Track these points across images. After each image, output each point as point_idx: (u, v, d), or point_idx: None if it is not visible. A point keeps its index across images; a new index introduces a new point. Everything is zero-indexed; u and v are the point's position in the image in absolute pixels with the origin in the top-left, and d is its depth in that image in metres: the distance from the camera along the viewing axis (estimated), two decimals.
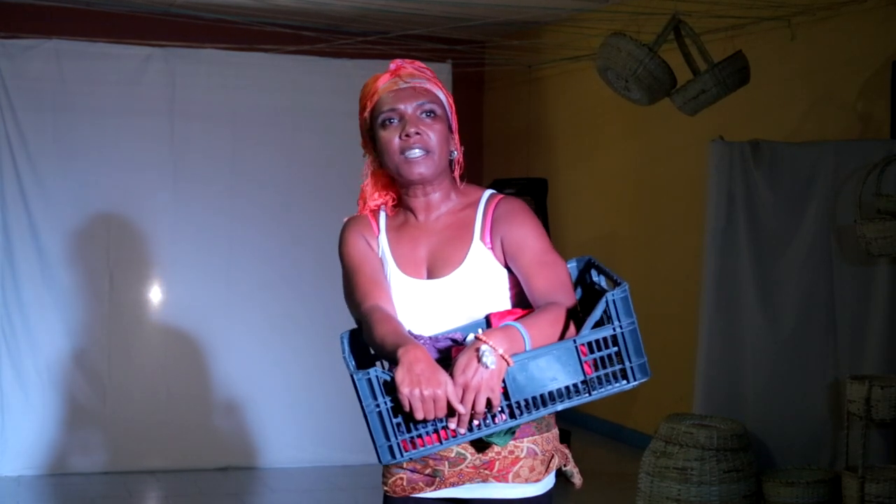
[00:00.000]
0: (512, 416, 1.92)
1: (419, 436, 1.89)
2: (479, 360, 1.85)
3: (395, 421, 1.88)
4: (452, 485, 2.12)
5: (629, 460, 5.81)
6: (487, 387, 1.86)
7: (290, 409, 5.68)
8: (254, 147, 5.81)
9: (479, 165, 7.92)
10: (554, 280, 2.08)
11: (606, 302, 1.93)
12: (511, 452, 2.10)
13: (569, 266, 2.21)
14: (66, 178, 5.51)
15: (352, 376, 1.89)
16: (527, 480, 2.11)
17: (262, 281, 5.73)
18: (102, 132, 5.57)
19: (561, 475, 2.22)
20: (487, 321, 2.12)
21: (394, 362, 1.92)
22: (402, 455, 1.90)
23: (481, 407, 1.87)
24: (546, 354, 1.90)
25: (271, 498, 5.30)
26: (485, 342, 1.87)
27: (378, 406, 1.87)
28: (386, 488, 2.20)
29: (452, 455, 2.09)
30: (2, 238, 5.44)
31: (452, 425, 1.89)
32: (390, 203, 2.25)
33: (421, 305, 2.15)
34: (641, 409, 6.32)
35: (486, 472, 2.10)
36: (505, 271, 2.15)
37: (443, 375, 1.87)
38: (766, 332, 4.70)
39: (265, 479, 5.54)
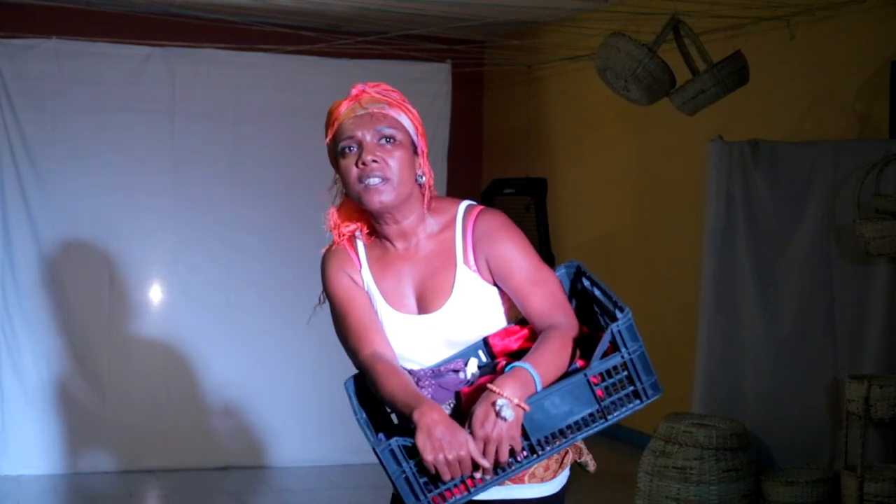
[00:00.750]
0: (533, 452, 1.94)
1: (447, 489, 1.91)
2: (497, 414, 1.85)
3: (421, 480, 1.90)
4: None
5: (629, 460, 5.81)
6: (508, 437, 1.87)
7: (291, 408, 5.69)
8: (254, 147, 5.81)
9: (478, 165, 7.92)
10: (550, 300, 2.07)
11: (612, 333, 1.94)
12: None
13: (558, 273, 2.19)
14: (66, 178, 5.51)
15: (374, 448, 1.90)
16: (542, 480, 2.11)
17: (262, 281, 5.74)
18: (102, 132, 5.57)
19: (574, 468, 2.23)
20: (485, 342, 2.12)
21: (406, 419, 1.93)
22: None
23: (505, 457, 1.88)
24: (560, 391, 1.92)
25: (271, 497, 5.30)
26: (499, 394, 1.86)
27: (404, 472, 1.89)
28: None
29: None
30: (2, 238, 5.44)
31: (478, 475, 1.90)
32: (364, 230, 2.19)
33: (415, 341, 2.12)
34: (641, 408, 6.32)
35: None
36: (494, 289, 2.11)
37: (463, 435, 1.87)
38: (766, 331, 4.71)
39: (265, 478, 5.54)
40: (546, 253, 6.35)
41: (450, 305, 2.08)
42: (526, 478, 2.09)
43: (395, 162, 2.06)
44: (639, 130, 6.36)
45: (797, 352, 4.66)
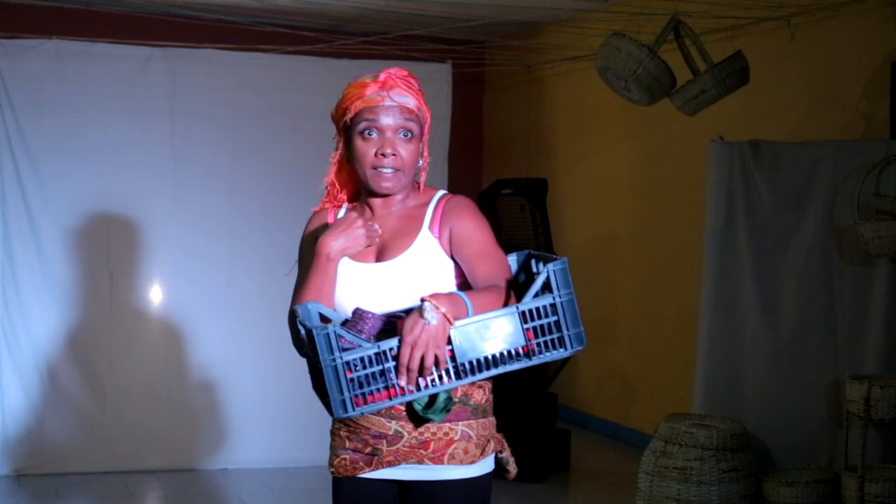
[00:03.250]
0: (458, 376, 2.03)
1: (370, 392, 2.01)
2: (421, 315, 1.98)
3: (349, 377, 1.99)
4: (389, 464, 2.23)
5: (629, 460, 5.82)
6: (434, 343, 1.98)
7: (291, 408, 5.68)
8: (254, 147, 5.81)
9: (479, 165, 7.92)
10: (495, 269, 2.21)
11: (547, 272, 2.06)
12: (446, 434, 2.20)
13: (510, 259, 2.33)
14: (67, 178, 5.51)
15: (310, 331, 2.00)
16: (461, 462, 2.21)
17: (264, 279, 5.73)
18: (103, 132, 5.57)
19: (499, 465, 2.32)
20: None
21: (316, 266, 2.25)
22: (353, 409, 2.01)
23: (430, 363, 1.99)
24: (491, 319, 2.03)
25: (271, 498, 5.30)
26: (427, 300, 2.00)
27: (334, 360, 1.98)
28: (332, 469, 2.32)
29: (391, 433, 2.20)
30: (2, 238, 5.44)
31: (402, 382, 2.01)
32: (348, 200, 2.41)
33: (368, 287, 2.26)
34: (641, 408, 6.32)
35: (422, 451, 2.20)
36: (451, 262, 2.26)
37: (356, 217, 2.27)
38: (766, 332, 4.70)
39: (265, 478, 5.54)
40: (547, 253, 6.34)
41: (404, 258, 2.25)
42: (446, 459, 2.20)
43: (408, 155, 2.26)
44: (639, 131, 6.36)
45: (797, 352, 4.65)
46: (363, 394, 2.01)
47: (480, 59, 7.58)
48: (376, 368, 2.00)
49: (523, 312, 2.04)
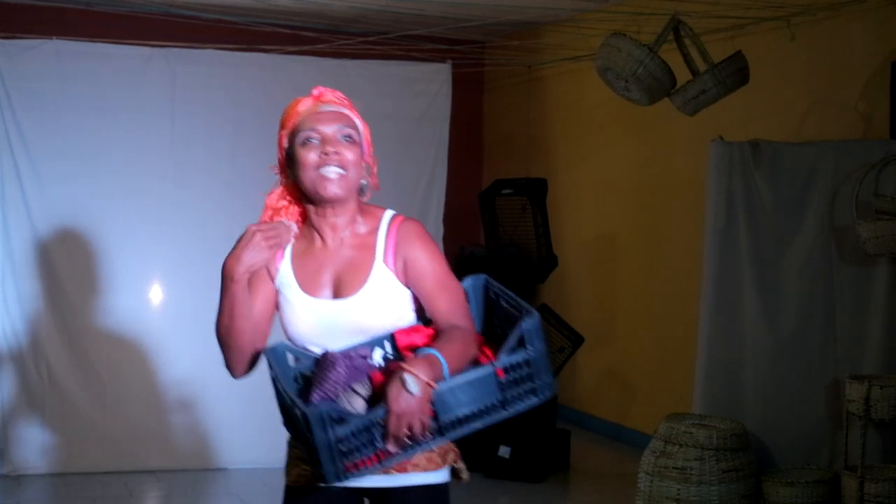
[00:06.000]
0: (440, 434, 2.11)
1: (360, 459, 2.06)
2: (405, 388, 2.02)
3: (340, 448, 2.04)
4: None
5: (629, 460, 5.81)
6: (420, 411, 2.03)
7: None
8: (254, 147, 5.79)
9: (479, 166, 7.92)
10: (454, 303, 2.28)
11: (521, 331, 2.14)
12: None
13: (465, 285, 2.39)
14: (67, 177, 5.50)
15: (303, 413, 2.02)
16: (425, 469, 2.29)
17: None
18: (102, 132, 5.56)
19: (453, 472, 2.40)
20: (391, 337, 2.28)
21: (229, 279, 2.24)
22: (345, 477, 2.06)
23: (417, 430, 2.04)
24: (469, 379, 2.11)
25: (271, 498, 5.29)
26: (409, 371, 2.03)
27: (328, 438, 2.02)
28: (288, 481, 2.39)
29: None
30: (2, 238, 5.44)
31: (391, 448, 2.06)
32: (298, 221, 2.37)
33: (326, 325, 2.28)
34: (641, 408, 6.32)
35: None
36: (407, 291, 2.30)
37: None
38: (766, 332, 4.70)
39: (265, 478, 5.54)
40: (547, 253, 6.34)
41: (363, 293, 2.26)
42: (409, 467, 2.26)
43: (352, 157, 2.27)
44: (639, 131, 6.36)
45: (797, 352, 4.65)
46: (353, 462, 2.06)
47: (480, 59, 7.58)
48: (365, 438, 2.05)
49: (499, 368, 2.13)
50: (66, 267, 5.53)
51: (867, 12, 4.80)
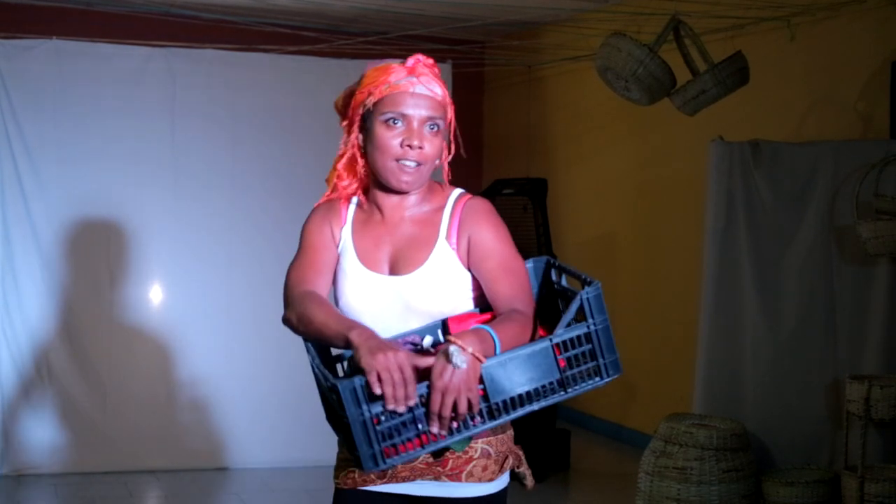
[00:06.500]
0: (491, 416, 1.92)
1: (401, 442, 1.88)
2: (450, 360, 1.85)
3: (378, 429, 1.86)
4: (404, 479, 2.12)
5: (629, 460, 5.81)
6: (466, 387, 1.85)
7: (291, 408, 5.68)
8: (254, 147, 5.81)
9: (479, 165, 7.92)
10: (517, 287, 2.09)
11: (580, 300, 1.95)
12: (465, 452, 2.10)
13: (528, 266, 2.21)
14: (67, 178, 5.50)
15: (334, 386, 1.86)
16: (480, 480, 2.11)
17: (263, 281, 5.73)
18: (103, 132, 5.56)
19: (515, 476, 2.23)
20: (444, 325, 2.10)
21: (340, 345, 1.96)
22: (384, 462, 1.88)
23: (463, 409, 1.87)
24: (523, 354, 1.92)
25: (271, 498, 5.30)
26: (455, 343, 1.87)
27: (362, 414, 1.85)
28: (337, 481, 2.19)
29: None
30: (2, 238, 5.44)
31: (434, 429, 1.89)
32: (361, 193, 2.21)
33: (381, 301, 2.12)
34: (641, 408, 6.32)
35: (439, 469, 2.10)
36: (468, 274, 2.13)
37: (403, 352, 1.87)
38: (766, 332, 4.70)
39: (265, 478, 5.54)
40: (547, 253, 6.34)
41: (421, 272, 2.10)
42: (464, 476, 2.10)
43: (433, 150, 2.10)
44: (639, 131, 6.36)
45: (798, 352, 4.65)
46: (393, 444, 1.88)
47: (480, 59, 7.58)
48: (406, 417, 1.86)
49: (556, 344, 1.94)
50: (67, 265, 5.53)
51: (867, 12, 4.80)
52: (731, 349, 4.78)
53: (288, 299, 2.14)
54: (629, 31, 4.91)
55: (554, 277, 2.21)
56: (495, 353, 1.91)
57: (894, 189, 4.34)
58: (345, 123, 2.20)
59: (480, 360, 1.87)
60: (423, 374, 1.89)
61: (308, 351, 2.11)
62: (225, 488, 5.42)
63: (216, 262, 5.73)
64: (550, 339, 1.93)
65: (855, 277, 4.52)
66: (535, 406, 1.94)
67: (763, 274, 4.72)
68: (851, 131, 4.89)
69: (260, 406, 5.72)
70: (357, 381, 1.84)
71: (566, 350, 1.95)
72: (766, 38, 5.31)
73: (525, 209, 6.22)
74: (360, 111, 2.13)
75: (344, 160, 2.19)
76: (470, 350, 1.86)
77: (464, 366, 1.84)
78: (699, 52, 4.76)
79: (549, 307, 2.22)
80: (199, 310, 5.71)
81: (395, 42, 6.60)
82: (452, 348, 1.85)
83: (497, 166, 7.76)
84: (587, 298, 1.95)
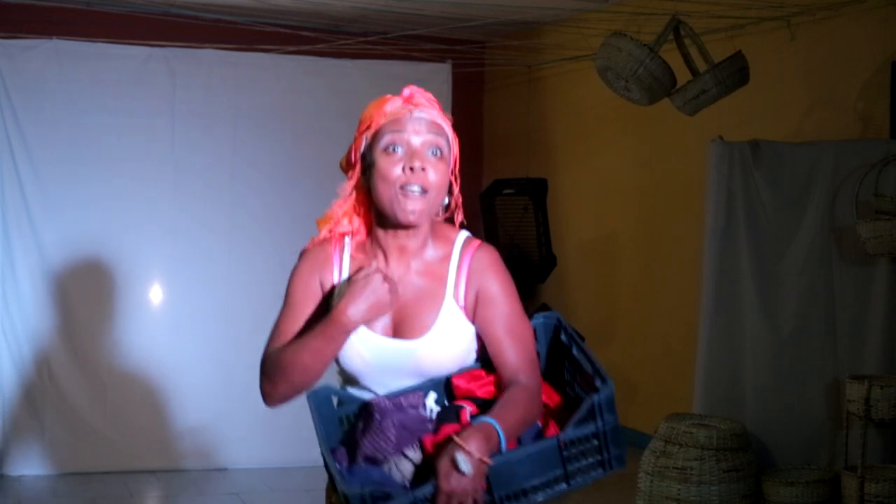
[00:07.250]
0: None
1: None
2: (456, 467, 1.82)
3: None
4: None
5: (629, 460, 5.78)
6: (472, 490, 1.83)
7: (292, 408, 5.66)
8: (254, 147, 5.81)
9: (479, 165, 7.91)
10: (522, 355, 2.03)
11: (593, 404, 1.96)
12: None
13: (535, 322, 2.17)
14: (66, 177, 5.51)
15: (343, 494, 1.85)
16: None
17: (264, 280, 5.72)
18: (103, 132, 5.57)
19: None
20: (448, 382, 2.07)
21: (334, 346, 1.96)
22: None
23: None
24: (530, 452, 1.93)
25: (271, 498, 5.30)
26: (461, 448, 1.83)
27: None
28: None
29: None
30: (2, 238, 5.44)
31: None
32: (356, 236, 2.10)
33: (386, 364, 2.05)
34: (641, 408, 6.32)
35: None
36: (473, 328, 2.07)
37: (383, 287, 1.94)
38: (766, 331, 4.70)
39: (266, 478, 5.54)
40: (546, 253, 6.34)
41: (430, 338, 2.03)
42: None
43: (438, 177, 1.99)
44: (639, 131, 6.36)
45: (797, 352, 4.65)
46: None
47: (480, 59, 7.57)
48: None
49: (564, 441, 1.94)
50: (66, 266, 5.53)
51: (867, 12, 4.80)
52: (731, 349, 4.78)
53: (265, 354, 2.08)
54: (629, 31, 4.91)
55: (563, 338, 2.18)
56: (500, 447, 1.88)
57: (894, 189, 4.34)
58: (346, 165, 2.13)
59: (486, 463, 1.85)
60: (427, 469, 1.90)
61: (312, 414, 2.07)
62: (225, 488, 5.42)
63: (216, 261, 5.73)
64: (559, 439, 1.94)
65: (855, 277, 4.52)
66: (539, 498, 1.95)
67: (763, 274, 4.72)
68: (851, 131, 4.89)
69: (260, 406, 5.70)
70: (367, 488, 1.84)
71: (573, 446, 1.96)
72: (766, 38, 5.31)
73: (525, 209, 6.23)
74: (362, 147, 2.05)
75: (345, 201, 2.09)
76: (476, 455, 1.83)
77: (470, 472, 1.82)
78: (699, 52, 4.76)
79: (556, 362, 2.21)
80: (200, 309, 5.71)
81: (395, 42, 6.60)
82: (459, 456, 1.82)
83: (497, 166, 7.76)
84: (599, 403, 1.96)
